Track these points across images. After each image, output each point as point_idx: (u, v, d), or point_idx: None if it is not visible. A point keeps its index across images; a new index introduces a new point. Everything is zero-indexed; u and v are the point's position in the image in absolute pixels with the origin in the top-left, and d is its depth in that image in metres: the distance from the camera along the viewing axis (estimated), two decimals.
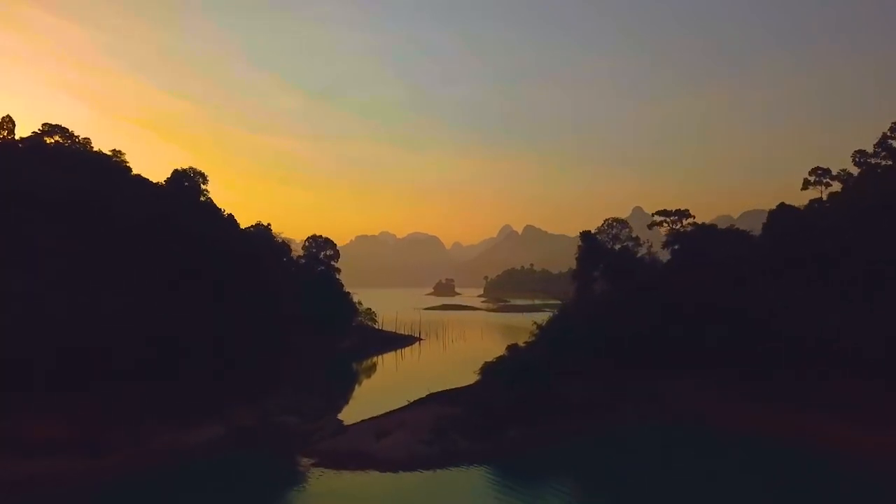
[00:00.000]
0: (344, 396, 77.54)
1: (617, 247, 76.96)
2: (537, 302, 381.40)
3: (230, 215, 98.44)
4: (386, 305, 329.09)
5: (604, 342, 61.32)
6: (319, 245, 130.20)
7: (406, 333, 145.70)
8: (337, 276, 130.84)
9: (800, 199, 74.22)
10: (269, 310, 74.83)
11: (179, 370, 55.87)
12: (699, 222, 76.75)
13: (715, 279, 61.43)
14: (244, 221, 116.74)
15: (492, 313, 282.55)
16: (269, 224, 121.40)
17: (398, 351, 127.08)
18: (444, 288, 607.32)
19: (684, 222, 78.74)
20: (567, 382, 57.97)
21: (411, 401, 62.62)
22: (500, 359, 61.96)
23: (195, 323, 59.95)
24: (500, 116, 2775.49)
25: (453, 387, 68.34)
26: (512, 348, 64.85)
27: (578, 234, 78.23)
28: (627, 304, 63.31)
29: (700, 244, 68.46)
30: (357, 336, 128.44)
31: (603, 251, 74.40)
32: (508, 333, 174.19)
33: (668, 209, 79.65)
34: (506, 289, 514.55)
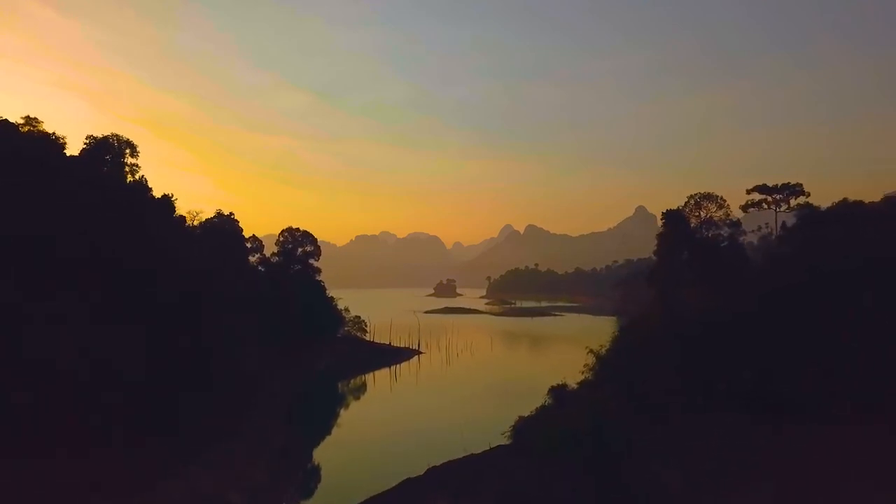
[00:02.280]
0: (307, 454, 54.06)
1: (709, 233, 52.69)
2: (544, 304, 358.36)
3: (165, 198, 75.29)
4: (383, 309, 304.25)
5: (718, 382, 37.97)
6: (296, 239, 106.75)
7: (402, 346, 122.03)
8: (317, 278, 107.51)
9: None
10: (209, 328, 51.80)
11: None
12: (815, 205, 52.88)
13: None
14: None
15: (497, 317, 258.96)
16: (231, 213, 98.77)
17: (393, 368, 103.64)
18: (446, 289, 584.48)
19: (792, 202, 55.30)
20: (659, 450, 34.84)
21: (400, 482, 39.23)
22: (541, 415, 38.57)
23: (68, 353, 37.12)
24: (501, 116, 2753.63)
25: (465, 434, 45.19)
26: (557, 392, 41.55)
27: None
28: (750, 322, 39.85)
29: (843, 232, 44.50)
30: (342, 351, 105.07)
31: (707, 245, 50.07)
32: (520, 342, 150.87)
33: (768, 184, 56.08)
34: (509, 290, 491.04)
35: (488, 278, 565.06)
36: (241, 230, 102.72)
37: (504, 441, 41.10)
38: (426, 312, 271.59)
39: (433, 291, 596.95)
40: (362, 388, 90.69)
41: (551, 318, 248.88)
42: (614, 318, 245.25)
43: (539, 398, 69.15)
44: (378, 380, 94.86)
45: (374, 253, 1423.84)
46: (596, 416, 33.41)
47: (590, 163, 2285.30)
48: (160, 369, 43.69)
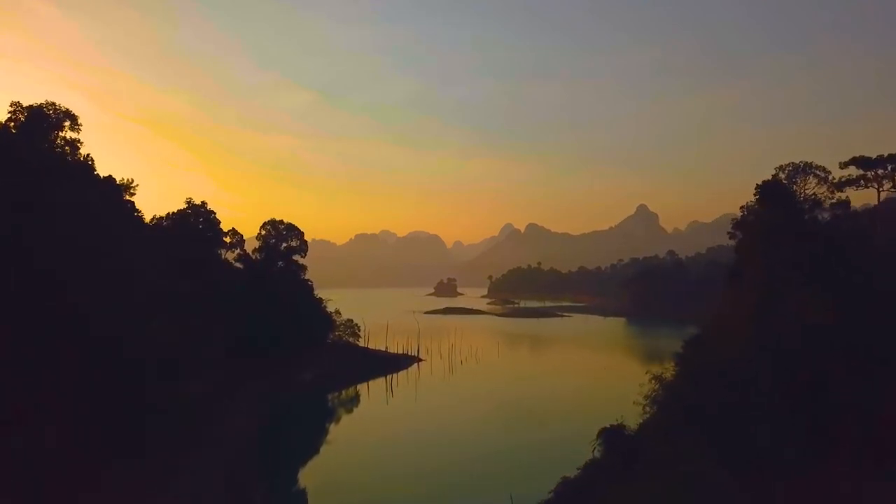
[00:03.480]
0: None
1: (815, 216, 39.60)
2: (548, 304, 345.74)
3: (111, 181, 63.23)
4: (382, 309, 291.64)
5: (836, 425, 25.82)
6: (279, 233, 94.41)
7: (400, 352, 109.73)
8: (303, 276, 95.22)
9: None
10: (135, 342, 39.64)
11: None
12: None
13: None
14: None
15: (501, 318, 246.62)
16: (204, 203, 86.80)
17: (388, 378, 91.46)
18: (446, 288, 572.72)
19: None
20: None
21: None
22: (594, 474, 26.26)
23: None
24: (501, 116, 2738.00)
25: (481, 482, 33.07)
26: (612, 439, 29.29)
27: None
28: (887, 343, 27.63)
29: None
30: (331, 359, 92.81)
31: (827, 233, 36.55)
32: (529, 347, 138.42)
33: (869, 156, 43.69)
34: (511, 289, 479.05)
35: (490, 277, 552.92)
36: (218, 223, 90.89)
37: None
38: (426, 313, 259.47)
39: (433, 291, 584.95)
40: (351, 404, 78.50)
41: (558, 319, 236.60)
42: (623, 320, 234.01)
43: (568, 426, 57.00)
44: (371, 393, 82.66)
45: (374, 252, 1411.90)
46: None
47: (590, 162, 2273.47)
48: (59, 400, 31.55)
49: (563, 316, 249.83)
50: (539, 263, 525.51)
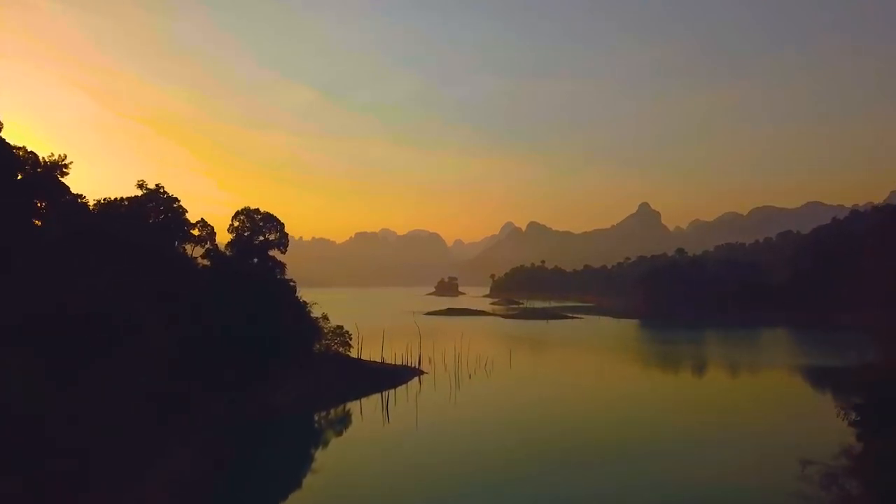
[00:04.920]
0: None
1: None
2: (554, 304, 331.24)
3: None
4: (380, 309, 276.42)
5: None
6: (255, 224, 79.83)
7: (398, 363, 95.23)
8: (282, 276, 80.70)
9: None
10: None
11: None
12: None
13: None
14: None
15: (507, 320, 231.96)
16: (159, 186, 72.59)
17: (384, 396, 76.99)
18: (447, 287, 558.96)
19: None
20: None
21: None
22: None
23: None
24: (503, 115, 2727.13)
25: None
26: None
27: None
28: None
29: None
30: (315, 375, 78.29)
31: None
32: (546, 355, 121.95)
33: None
34: (514, 288, 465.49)
35: (492, 276, 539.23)
36: (183, 212, 76.64)
37: None
38: (427, 314, 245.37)
39: (434, 290, 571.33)
40: (333, 433, 63.86)
41: (569, 321, 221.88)
42: (636, 322, 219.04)
43: (617, 474, 42.66)
44: (364, 415, 68.09)
45: (374, 251, 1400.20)
46: None
47: (591, 161, 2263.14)
48: None
49: (572, 317, 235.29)
50: (543, 262, 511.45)
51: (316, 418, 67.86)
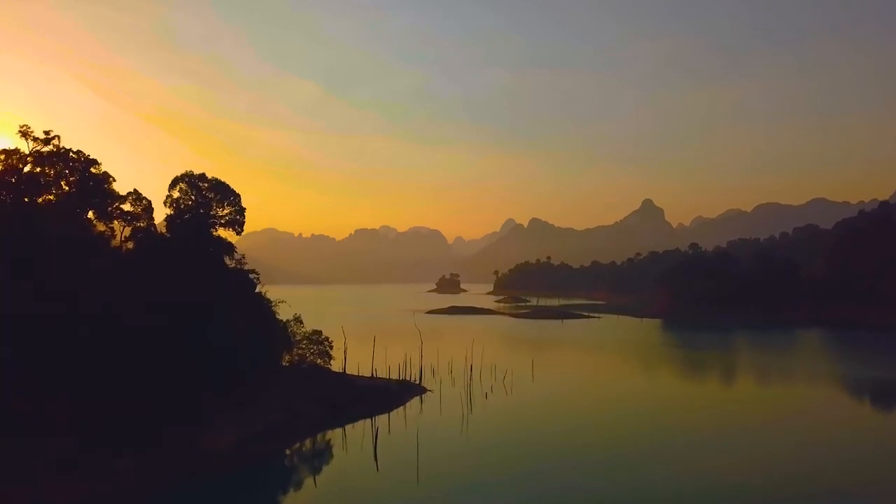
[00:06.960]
0: None
1: None
2: (563, 302, 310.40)
3: None
4: (379, 309, 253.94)
5: None
6: (201, 195, 59.44)
7: (393, 378, 74.97)
8: (240, 265, 60.52)
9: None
10: None
11: None
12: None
13: None
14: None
15: (517, 319, 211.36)
16: (56, 137, 52.79)
17: (374, 427, 55.95)
18: (449, 284, 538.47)
19: None
20: None
21: None
22: None
23: None
24: (505, 112, 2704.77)
25: None
26: None
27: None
28: None
29: None
30: (283, 398, 57.94)
31: None
32: (573, 364, 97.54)
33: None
34: (519, 286, 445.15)
35: (495, 273, 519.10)
36: (106, 180, 57.27)
37: None
38: (428, 313, 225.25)
39: (435, 287, 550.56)
40: (293, 495, 43.40)
41: (586, 321, 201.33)
42: (660, 322, 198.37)
43: None
44: (343, 462, 47.82)
45: (375, 247, 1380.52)
46: None
47: (594, 158, 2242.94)
48: None
49: (587, 317, 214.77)
50: (549, 258, 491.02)
51: (271, 469, 47.24)
